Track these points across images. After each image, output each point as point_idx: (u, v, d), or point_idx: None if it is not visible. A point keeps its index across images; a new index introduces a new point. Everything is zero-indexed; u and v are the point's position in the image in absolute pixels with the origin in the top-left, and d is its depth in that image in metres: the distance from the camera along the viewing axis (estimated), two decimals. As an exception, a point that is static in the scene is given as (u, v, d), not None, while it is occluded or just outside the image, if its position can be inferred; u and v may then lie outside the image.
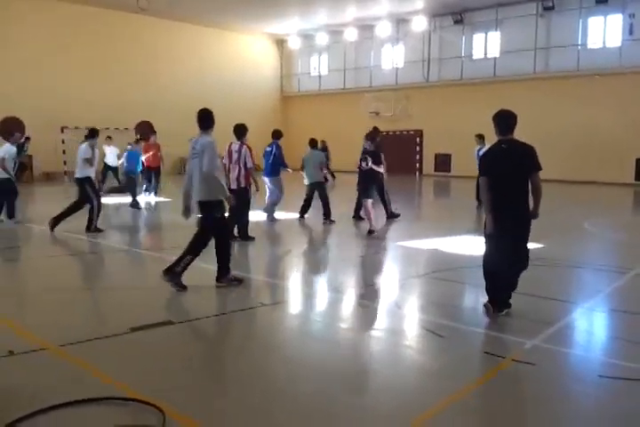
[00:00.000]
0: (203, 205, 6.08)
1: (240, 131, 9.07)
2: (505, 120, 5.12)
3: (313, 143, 11.91)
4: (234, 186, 8.82)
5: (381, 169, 10.19)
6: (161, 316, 5.20)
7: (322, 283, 7.00)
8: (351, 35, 27.96)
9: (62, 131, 22.27)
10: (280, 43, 31.51)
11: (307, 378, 3.93)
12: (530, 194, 5.11)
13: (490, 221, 5.07)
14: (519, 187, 5.05)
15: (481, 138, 13.57)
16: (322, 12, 25.50)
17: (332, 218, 11.16)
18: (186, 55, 27.07)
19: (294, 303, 6.05)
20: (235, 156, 8.99)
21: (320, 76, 30.54)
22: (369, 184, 9.85)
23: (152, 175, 15.38)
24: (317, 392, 3.68)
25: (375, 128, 11.69)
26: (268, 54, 31.46)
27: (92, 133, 9.96)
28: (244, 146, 9.03)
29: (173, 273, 5.96)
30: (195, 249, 6.09)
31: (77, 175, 9.91)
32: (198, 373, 4.02)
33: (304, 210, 11.61)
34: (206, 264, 7.32)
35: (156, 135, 15.47)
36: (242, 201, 8.23)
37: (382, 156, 10.23)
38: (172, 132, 21.50)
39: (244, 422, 3.27)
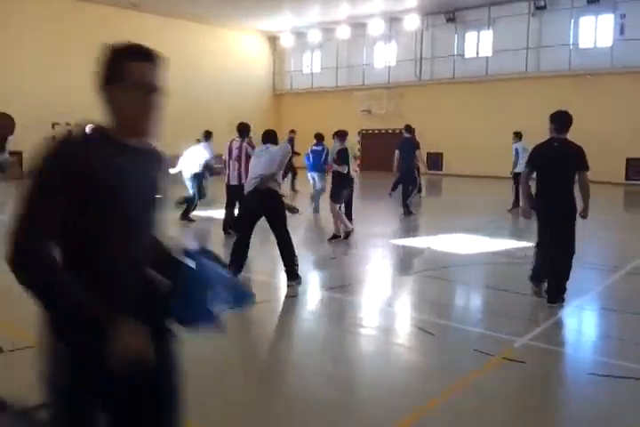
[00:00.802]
0: None
1: (244, 130, 9.23)
2: (561, 120, 5.40)
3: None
4: (234, 182, 8.89)
5: (344, 169, 9.14)
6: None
7: (312, 280, 6.99)
8: (344, 32, 27.94)
9: (53, 127, 22.11)
10: (272, 40, 31.42)
11: (295, 377, 3.92)
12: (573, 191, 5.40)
13: (526, 208, 5.66)
14: (566, 184, 5.33)
15: (517, 135, 13.67)
16: (315, 9, 25.45)
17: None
18: (177, 52, 26.88)
19: (283, 301, 6.04)
20: (235, 152, 9.03)
21: (312, 74, 30.50)
22: (336, 187, 9.34)
23: None
24: (305, 391, 3.67)
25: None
26: (260, 52, 31.38)
27: (208, 135, 11.62)
28: (245, 144, 9.06)
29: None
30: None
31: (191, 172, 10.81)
32: (192, 371, 3.99)
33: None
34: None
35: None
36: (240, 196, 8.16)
37: (348, 153, 9.41)
38: (167, 128, 21.26)
39: (239, 421, 3.25)
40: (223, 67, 28.79)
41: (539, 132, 16.20)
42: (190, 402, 3.43)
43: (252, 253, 8.47)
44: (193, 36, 27.48)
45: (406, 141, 12.27)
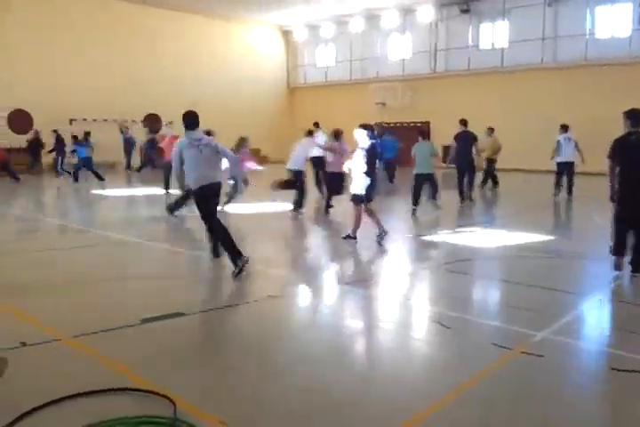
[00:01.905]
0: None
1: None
2: (636, 116, 6.29)
3: (423, 134, 12.09)
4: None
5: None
6: (175, 307, 5.20)
7: (330, 275, 7.01)
8: (357, 25, 27.79)
9: (70, 123, 22.31)
10: (286, 34, 31.36)
11: (312, 370, 3.95)
12: None
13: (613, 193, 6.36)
14: None
15: (564, 127, 14.44)
16: (328, 1, 25.35)
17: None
18: (191, 46, 26.97)
19: (301, 296, 6.07)
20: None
21: (326, 68, 30.41)
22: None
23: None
24: (323, 384, 3.70)
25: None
26: (274, 46, 31.33)
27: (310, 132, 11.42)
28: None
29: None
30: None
31: (295, 167, 11.06)
32: (208, 364, 4.04)
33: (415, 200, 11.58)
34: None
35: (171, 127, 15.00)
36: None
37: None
38: (178, 124, 21.43)
39: (255, 414, 3.29)
40: (237, 61, 28.81)
41: (556, 122, 16.14)
42: (206, 395, 3.49)
43: (269, 248, 8.56)
44: (206, 30, 27.50)
45: (464, 134, 13.14)
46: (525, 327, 4.71)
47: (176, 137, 14.26)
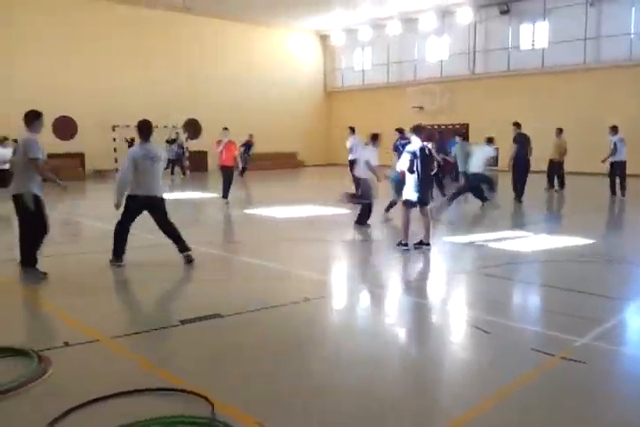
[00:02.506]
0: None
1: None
2: None
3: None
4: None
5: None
6: (212, 309, 5.27)
7: (368, 278, 6.99)
8: (395, 28, 27.70)
9: (114, 129, 22.84)
10: (323, 38, 31.50)
11: (349, 373, 3.94)
12: None
13: None
14: None
15: (614, 129, 14.80)
16: (365, 6, 25.35)
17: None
18: (231, 53, 27.36)
19: (339, 299, 6.07)
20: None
21: (364, 71, 30.40)
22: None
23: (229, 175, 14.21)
24: (360, 388, 3.69)
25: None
26: (311, 50, 31.50)
27: (375, 138, 10.47)
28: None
29: None
30: None
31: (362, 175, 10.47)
32: (246, 366, 4.08)
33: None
34: (250, 259, 7.44)
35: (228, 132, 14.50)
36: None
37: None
38: (218, 129, 21.92)
39: (292, 416, 3.31)
40: (275, 66, 29.08)
41: (598, 124, 15.74)
42: (242, 396, 3.52)
43: (302, 250, 8.60)
44: (245, 37, 27.85)
45: (520, 136, 13.87)
46: (566, 333, 4.61)
47: (232, 142, 14.07)
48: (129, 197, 6.98)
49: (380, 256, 8.23)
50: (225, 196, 13.77)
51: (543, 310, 5.61)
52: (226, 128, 14.17)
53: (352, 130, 16.39)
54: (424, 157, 7.77)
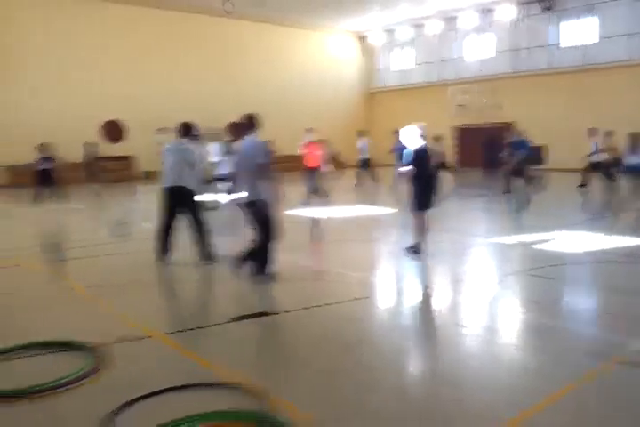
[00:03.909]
0: None
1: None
2: None
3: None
4: None
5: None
6: (260, 307, 5.30)
7: (415, 278, 6.92)
8: (434, 27, 27.46)
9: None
10: (363, 39, 31.47)
11: (403, 374, 3.90)
12: None
13: None
14: None
15: None
16: (403, 5, 25.22)
17: None
18: (270, 55, 27.60)
19: (387, 298, 6.02)
20: None
21: (404, 71, 30.23)
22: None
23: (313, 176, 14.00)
24: (412, 389, 3.65)
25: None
26: (351, 51, 31.50)
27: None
28: None
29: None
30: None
31: None
32: (295, 363, 4.08)
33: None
34: (298, 258, 7.46)
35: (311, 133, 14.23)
36: None
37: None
38: (266, 129, 22.26)
39: (348, 415, 3.28)
40: (315, 68, 29.21)
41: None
42: (295, 392, 3.51)
43: (351, 250, 8.57)
44: (283, 39, 28.07)
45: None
46: (622, 336, 4.46)
47: (317, 142, 13.63)
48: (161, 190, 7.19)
49: (428, 256, 8.13)
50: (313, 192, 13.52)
51: (597, 312, 5.44)
52: (310, 129, 13.75)
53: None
54: (420, 157, 7.34)
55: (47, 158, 15.12)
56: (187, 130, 7.33)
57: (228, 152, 15.98)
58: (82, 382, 3.66)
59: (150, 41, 23.92)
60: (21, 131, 20.52)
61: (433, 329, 4.92)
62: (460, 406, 3.36)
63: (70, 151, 17.92)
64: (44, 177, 14.91)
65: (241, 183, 6.20)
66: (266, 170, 6.03)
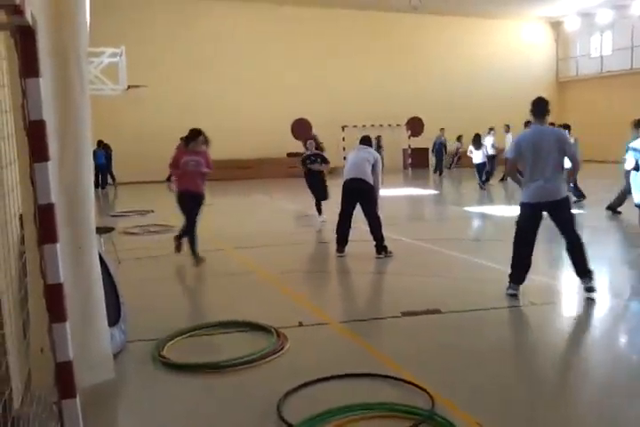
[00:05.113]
0: None
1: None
2: None
3: None
4: None
5: None
6: (431, 304, 5.34)
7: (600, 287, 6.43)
8: (641, 7, 24.78)
9: (343, 129, 24.10)
10: (556, 25, 29.43)
11: (581, 385, 3.71)
12: None
13: None
14: None
15: None
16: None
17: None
18: (454, 49, 27.01)
19: (567, 305, 5.68)
20: None
21: (602, 57, 27.74)
22: None
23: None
24: (591, 399, 3.46)
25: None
26: (540, 39, 29.61)
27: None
28: None
29: None
30: None
31: None
32: (466, 364, 4.06)
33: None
34: (472, 257, 7.36)
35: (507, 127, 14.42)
36: None
37: None
38: (440, 124, 22.86)
39: (513, 421, 3.22)
40: (502, 59, 27.99)
41: None
42: (464, 394, 3.50)
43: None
44: (470, 31, 27.27)
45: None
46: None
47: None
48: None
49: (606, 259, 7.48)
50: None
51: None
52: (507, 125, 13.73)
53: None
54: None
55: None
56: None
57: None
58: (264, 360, 4.02)
59: (334, 41, 24.68)
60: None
61: (612, 341, 4.56)
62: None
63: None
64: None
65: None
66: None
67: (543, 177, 5.19)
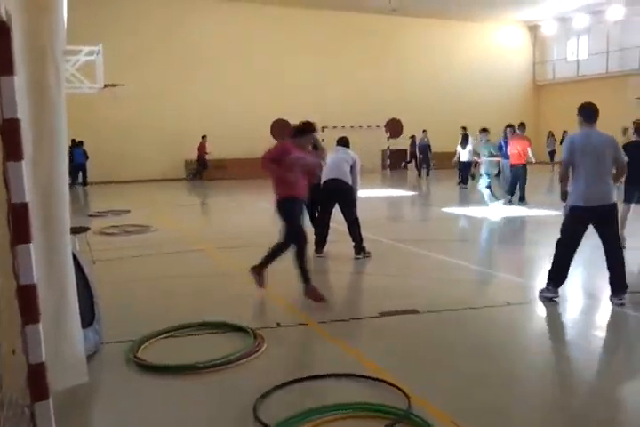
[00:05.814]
0: None
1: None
2: None
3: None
4: None
5: None
6: (408, 304, 5.36)
7: (574, 286, 6.53)
8: (616, 13, 25.20)
9: (322, 130, 24.10)
10: (533, 29, 29.82)
11: (550, 384, 3.76)
12: None
13: None
14: None
15: None
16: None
17: None
18: (434, 50, 27.22)
19: (541, 304, 5.75)
20: None
21: (578, 61, 28.17)
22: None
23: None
24: (564, 402, 3.50)
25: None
26: (518, 42, 30.00)
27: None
28: None
29: None
30: None
31: None
32: (443, 363, 4.09)
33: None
34: (449, 258, 7.40)
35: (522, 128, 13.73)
36: None
37: None
38: (421, 125, 22.95)
39: (492, 421, 3.25)
40: (479, 60, 28.28)
41: None
42: (438, 392, 3.53)
43: (508, 253, 8.29)
44: (449, 33, 27.51)
45: None
46: None
47: (520, 138, 12.85)
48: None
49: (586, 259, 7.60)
50: (511, 193, 12.91)
51: None
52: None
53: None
54: None
55: None
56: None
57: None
58: (241, 361, 4.00)
59: (315, 41, 24.66)
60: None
61: (589, 341, 4.63)
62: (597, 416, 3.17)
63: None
64: None
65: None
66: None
67: (600, 181, 5.20)
